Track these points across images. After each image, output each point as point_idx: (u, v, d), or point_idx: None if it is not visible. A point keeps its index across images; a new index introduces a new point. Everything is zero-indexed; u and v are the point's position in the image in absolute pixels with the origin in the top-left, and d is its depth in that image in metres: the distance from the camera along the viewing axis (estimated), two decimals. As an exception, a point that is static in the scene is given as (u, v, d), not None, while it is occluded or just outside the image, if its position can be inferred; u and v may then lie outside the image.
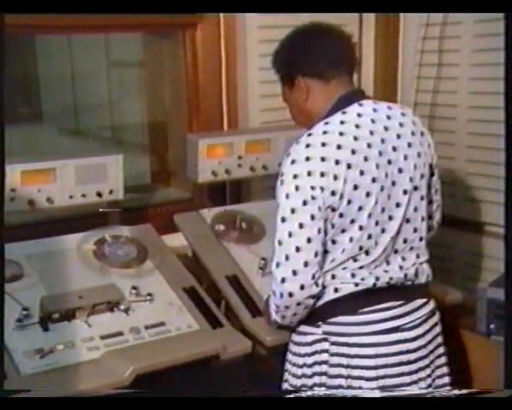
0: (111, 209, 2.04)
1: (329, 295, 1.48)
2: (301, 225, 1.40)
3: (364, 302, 1.47)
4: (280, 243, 1.43)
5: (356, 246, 1.45)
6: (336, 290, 1.47)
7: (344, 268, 1.47)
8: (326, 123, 1.47)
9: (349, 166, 1.41)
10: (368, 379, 1.44)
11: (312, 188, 1.40)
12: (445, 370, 1.57)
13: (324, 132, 1.44)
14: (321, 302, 1.48)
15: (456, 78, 2.39)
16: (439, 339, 1.59)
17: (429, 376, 1.52)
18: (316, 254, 1.42)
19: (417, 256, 1.56)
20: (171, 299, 1.81)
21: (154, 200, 2.41)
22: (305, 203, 1.40)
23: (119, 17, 1.99)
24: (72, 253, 1.85)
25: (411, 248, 1.54)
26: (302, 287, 1.42)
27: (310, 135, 1.46)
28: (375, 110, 1.49)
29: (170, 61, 2.45)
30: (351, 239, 1.45)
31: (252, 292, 1.88)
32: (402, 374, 1.46)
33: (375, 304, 1.48)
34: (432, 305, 1.58)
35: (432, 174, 1.59)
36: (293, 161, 1.43)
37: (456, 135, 2.41)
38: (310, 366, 1.50)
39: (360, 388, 1.43)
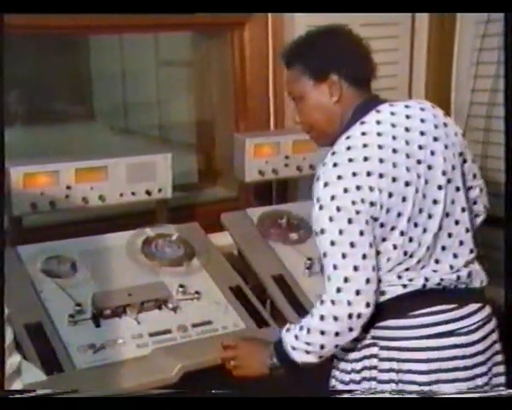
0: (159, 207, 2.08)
1: (378, 299, 1.44)
2: (352, 245, 1.37)
3: (414, 305, 1.44)
4: (335, 267, 1.39)
5: (400, 252, 1.43)
6: (383, 293, 1.45)
7: (389, 271, 1.45)
8: (347, 138, 1.44)
9: (381, 176, 1.39)
10: (420, 384, 1.41)
11: (353, 203, 1.37)
12: (502, 379, 1.51)
13: (348, 148, 1.41)
14: None
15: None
16: (497, 346, 1.53)
17: (486, 384, 1.47)
18: (373, 269, 1.39)
19: (470, 251, 1.51)
20: (218, 297, 1.83)
21: (200, 199, 2.44)
22: (350, 221, 1.37)
23: (169, 17, 2.01)
24: (121, 250, 1.89)
25: (461, 243, 1.50)
26: (368, 305, 1.39)
27: (334, 154, 1.43)
28: (392, 113, 1.46)
29: (218, 61, 2.47)
30: (394, 247, 1.43)
31: (298, 292, 1.89)
32: (456, 380, 1.42)
33: (426, 307, 1.44)
34: (488, 310, 1.53)
35: (464, 161, 1.55)
36: (325, 184, 1.40)
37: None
38: (358, 371, 1.48)
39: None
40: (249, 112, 2.35)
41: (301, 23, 2.29)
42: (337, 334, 1.40)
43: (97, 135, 2.91)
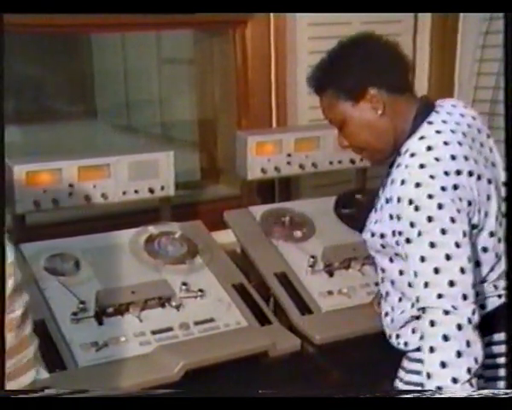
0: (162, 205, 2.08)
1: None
2: (458, 245, 1.25)
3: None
4: (437, 271, 1.24)
5: (492, 254, 1.35)
6: (483, 307, 1.33)
7: (484, 281, 1.35)
8: (421, 138, 1.34)
9: (470, 174, 1.32)
10: None
11: (453, 201, 1.27)
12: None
13: (429, 148, 1.32)
14: None
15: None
16: None
17: None
18: (473, 273, 1.27)
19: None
20: (221, 295, 1.83)
21: (203, 197, 2.44)
22: (453, 221, 1.26)
23: (171, 15, 2.01)
24: (124, 248, 1.89)
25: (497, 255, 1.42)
26: (474, 312, 1.24)
27: (414, 155, 1.32)
28: (449, 113, 1.40)
29: (220, 59, 2.47)
30: (484, 249, 1.34)
31: (301, 290, 1.89)
32: None
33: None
34: None
35: (493, 165, 1.48)
36: (418, 185, 1.28)
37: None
38: None
39: None
40: (251, 110, 2.35)
41: (303, 20, 2.30)
42: (459, 354, 1.20)
43: (100, 133, 2.91)
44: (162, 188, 2.03)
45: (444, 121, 1.38)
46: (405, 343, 1.39)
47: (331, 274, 1.94)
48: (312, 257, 1.93)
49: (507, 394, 0.87)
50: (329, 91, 1.39)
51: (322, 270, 1.95)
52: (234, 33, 2.33)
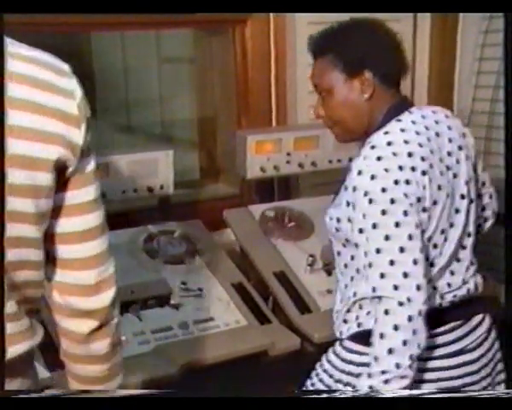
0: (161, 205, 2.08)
1: None
2: (411, 237, 1.30)
3: (432, 324, 1.35)
4: (392, 262, 1.29)
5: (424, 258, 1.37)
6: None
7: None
8: (386, 133, 1.38)
9: (423, 173, 1.35)
10: None
11: (406, 196, 1.31)
12: (502, 387, 1.48)
13: (389, 143, 1.36)
14: None
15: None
16: (498, 355, 1.50)
17: None
18: (426, 266, 1.32)
19: (472, 263, 1.48)
20: (220, 294, 1.83)
21: (202, 196, 2.44)
22: (406, 214, 1.30)
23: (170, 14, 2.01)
24: (123, 247, 1.89)
25: (470, 255, 1.46)
26: (425, 302, 1.29)
27: (374, 148, 1.36)
28: (423, 117, 1.43)
29: (219, 58, 2.46)
30: (421, 250, 1.35)
31: (300, 289, 1.89)
32: None
33: (440, 326, 1.39)
34: (488, 320, 1.49)
35: (475, 170, 1.51)
36: (373, 177, 1.32)
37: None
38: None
39: None
40: (251, 109, 2.35)
41: (303, 19, 2.29)
42: (405, 343, 1.26)
43: (99, 132, 2.90)
44: (161, 187, 2.03)
45: (413, 122, 1.41)
46: (348, 329, 1.41)
47: (330, 273, 1.94)
48: (311, 256, 1.94)
49: (507, 394, 0.88)
50: (329, 56, 1.41)
51: (322, 269, 1.95)
52: (234, 32, 2.33)
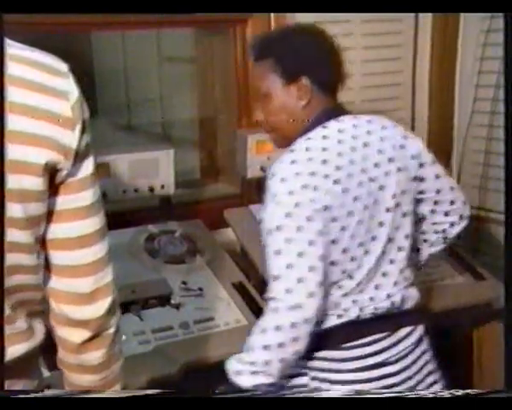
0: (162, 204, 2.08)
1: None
2: (311, 243, 1.28)
3: (348, 337, 1.36)
4: (289, 266, 1.28)
5: (339, 270, 1.35)
6: (318, 324, 1.34)
7: (327, 297, 1.34)
8: (308, 138, 1.38)
9: (335, 182, 1.33)
10: None
11: (312, 201, 1.30)
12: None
13: (307, 149, 1.35)
14: None
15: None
16: (430, 367, 1.47)
17: None
18: (324, 274, 1.30)
19: (406, 279, 1.45)
20: (220, 294, 1.83)
21: (203, 195, 2.44)
22: (309, 219, 1.29)
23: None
24: (124, 247, 1.90)
25: (401, 271, 1.43)
26: (316, 310, 1.28)
27: (292, 151, 1.36)
28: (354, 126, 1.41)
29: (220, 57, 2.46)
30: (333, 263, 1.34)
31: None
32: None
33: (360, 338, 1.37)
34: (419, 332, 1.46)
35: (421, 179, 1.47)
36: (282, 179, 1.32)
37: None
38: None
39: None
40: (251, 108, 2.35)
41: (303, 19, 2.29)
42: (280, 345, 1.26)
43: (100, 131, 2.90)
44: (162, 186, 2.03)
45: (339, 130, 1.39)
46: None
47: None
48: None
49: (507, 394, 0.88)
50: (269, 61, 1.42)
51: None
52: (234, 32, 2.33)
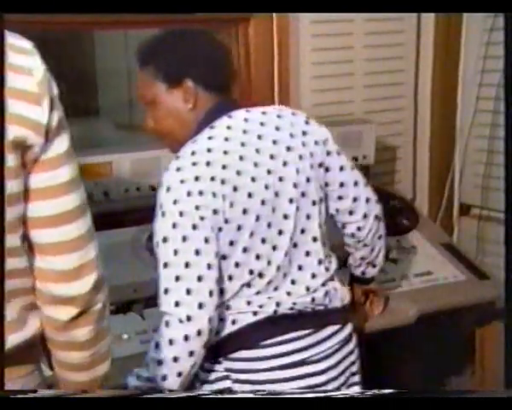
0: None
1: (228, 328, 1.32)
2: (197, 252, 1.25)
3: (266, 334, 1.33)
4: (178, 278, 1.25)
5: (245, 270, 1.32)
6: (234, 322, 1.33)
7: (238, 297, 1.33)
8: (193, 141, 1.35)
9: (223, 182, 1.29)
10: None
11: (197, 208, 1.26)
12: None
13: (193, 153, 1.32)
14: (220, 336, 1.33)
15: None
16: (354, 368, 1.44)
17: None
18: (216, 281, 1.27)
19: (327, 269, 1.41)
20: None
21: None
22: (194, 227, 1.26)
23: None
24: (126, 246, 1.89)
25: (319, 262, 1.39)
26: (209, 321, 1.25)
27: (178, 158, 1.33)
28: (246, 120, 1.39)
29: (222, 56, 2.46)
30: (237, 264, 1.31)
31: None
32: None
33: (278, 335, 1.33)
34: (347, 331, 1.43)
35: (327, 169, 1.42)
36: (168, 189, 1.29)
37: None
38: None
39: None
40: (254, 106, 2.35)
41: (306, 18, 2.29)
42: (175, 359, 1.23)
43: (102, 131, 2.91)
44: (164, 186, 2.03)
45: (228, 127, 1.36)
46: None
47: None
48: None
49: (507, 394, 0.88)
50: (150, 68, 1.41)
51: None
52: (236, 31, 2.33)
